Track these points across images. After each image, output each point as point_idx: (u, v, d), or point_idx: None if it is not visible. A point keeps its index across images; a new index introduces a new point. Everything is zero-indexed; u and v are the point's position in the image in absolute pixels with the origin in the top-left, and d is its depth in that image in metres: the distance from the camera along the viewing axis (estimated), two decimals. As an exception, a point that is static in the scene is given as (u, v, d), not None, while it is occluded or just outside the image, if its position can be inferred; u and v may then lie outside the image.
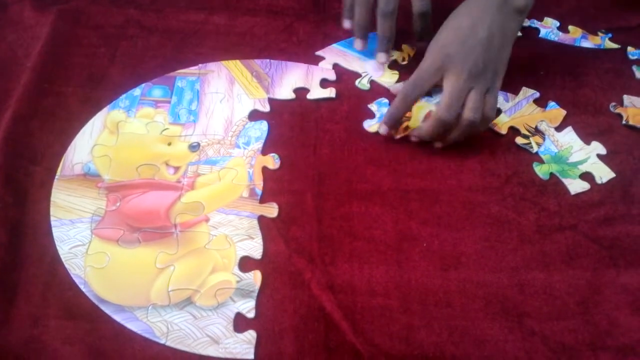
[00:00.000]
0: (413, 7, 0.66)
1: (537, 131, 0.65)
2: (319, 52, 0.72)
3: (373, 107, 0.67)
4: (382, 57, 0.69)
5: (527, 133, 0.65)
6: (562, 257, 0.56)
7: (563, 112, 0.67)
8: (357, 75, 0.70)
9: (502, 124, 0.65)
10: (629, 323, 0.52)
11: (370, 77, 0.69)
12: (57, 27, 0.72)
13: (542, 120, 0.66)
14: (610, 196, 0.60)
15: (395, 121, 0.62)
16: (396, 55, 0.71)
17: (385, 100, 0.67)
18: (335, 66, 0.70)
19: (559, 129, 0.65)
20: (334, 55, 0.71)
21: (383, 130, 0.63)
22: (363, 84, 0.69)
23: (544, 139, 0.64)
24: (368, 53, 0.71)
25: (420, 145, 0.63)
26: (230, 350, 0.50)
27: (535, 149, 0.64)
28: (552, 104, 0.67)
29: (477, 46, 0.59)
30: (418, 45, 0.70)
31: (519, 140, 0.64)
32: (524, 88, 0.69)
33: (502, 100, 0.67)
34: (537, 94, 0.68)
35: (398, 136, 0.63)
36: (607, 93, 0.69)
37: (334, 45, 0.73)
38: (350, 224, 0.58)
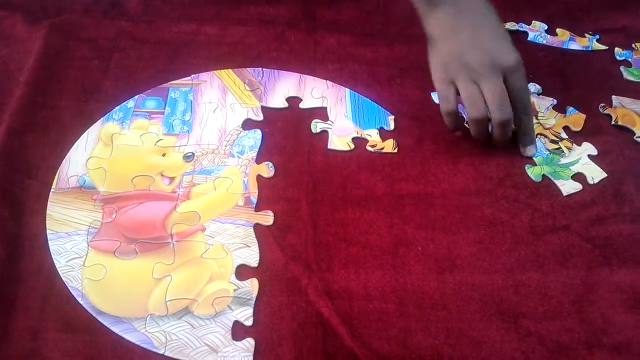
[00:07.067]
0: (492, 115, 0.60)
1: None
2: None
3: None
4: (531, 150, 0.64)
5: (555, 138, 0.65)
6: (556, 258, 0.56)
7: (583, 116, 0.67)
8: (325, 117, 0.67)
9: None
10: (623, 321, 0.52)
11: (328, 129, 0.66)
12: (50, 40, 0.72)
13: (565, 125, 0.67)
14: (602, 196, 0.61)
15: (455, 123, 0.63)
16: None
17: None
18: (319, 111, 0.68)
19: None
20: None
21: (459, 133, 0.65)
22: (315, 126, 0.66)
23: (572, 142, 0.65)
24: (360, 118, 0.67)
25: (413, 149, 0.64)
26: (229, 359, 0.50)
27: (566, 152, 0.64)
28: (570, 109, 0.68)
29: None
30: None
31: (549, 145, 0.65)
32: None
33: None
34: (555, 101, 0.69)
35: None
36: (596, 94, 0.70)
37: (348, 90, 0.69)
38: (346, 230, 0.58)
